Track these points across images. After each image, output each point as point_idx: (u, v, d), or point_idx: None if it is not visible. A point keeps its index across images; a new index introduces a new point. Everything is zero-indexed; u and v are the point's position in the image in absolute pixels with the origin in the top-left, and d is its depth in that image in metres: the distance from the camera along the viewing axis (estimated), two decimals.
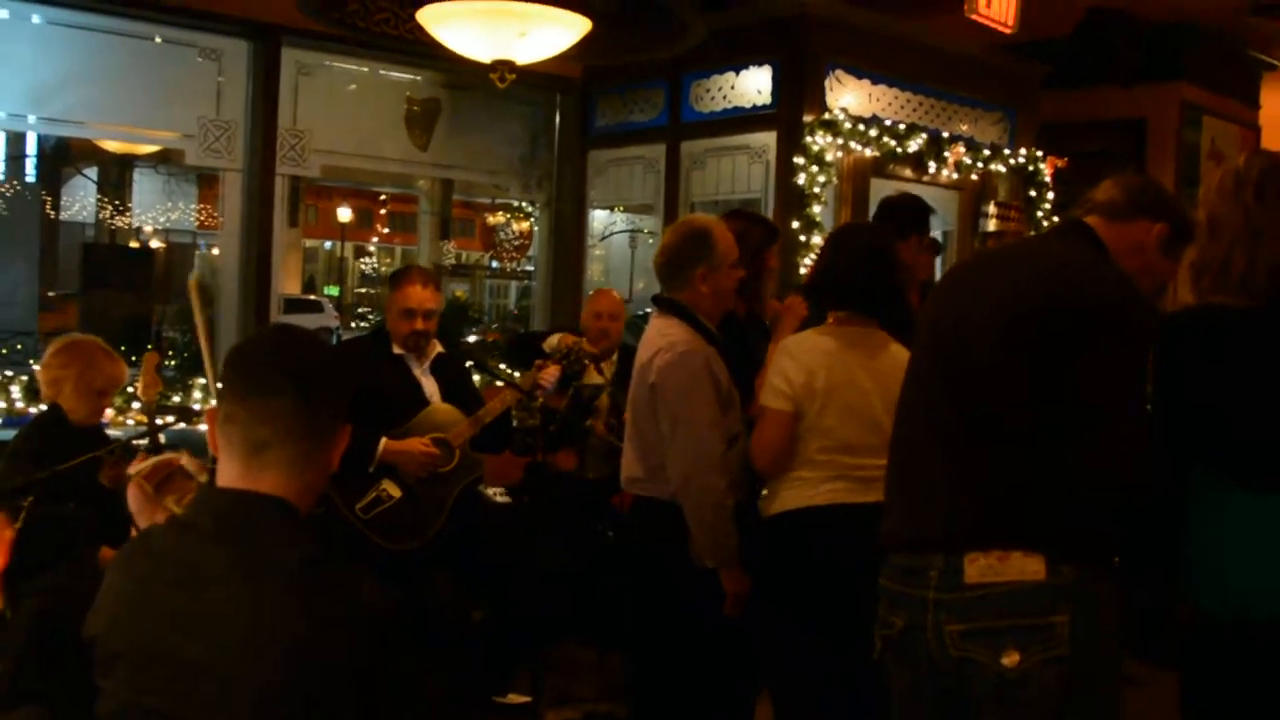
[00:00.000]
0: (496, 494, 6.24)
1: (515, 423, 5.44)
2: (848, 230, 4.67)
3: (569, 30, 5.33)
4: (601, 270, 11.53)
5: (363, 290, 35.80)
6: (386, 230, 38.73)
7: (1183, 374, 2.72)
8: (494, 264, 28.34)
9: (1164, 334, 2.72)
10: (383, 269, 38.22)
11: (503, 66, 5.34)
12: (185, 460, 2.32)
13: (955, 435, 2.68)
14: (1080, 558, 2.52)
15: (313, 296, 32.24)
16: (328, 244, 39.49)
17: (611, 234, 10.67)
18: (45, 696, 3.61)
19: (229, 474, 2.04)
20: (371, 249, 40.08)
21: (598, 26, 5.49)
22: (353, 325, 26.50)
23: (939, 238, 8.06)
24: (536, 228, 9.48)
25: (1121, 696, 2.63)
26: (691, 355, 3.93)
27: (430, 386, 5.20)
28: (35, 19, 6.93)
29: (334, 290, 36.40)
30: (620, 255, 14.30)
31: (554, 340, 5.50)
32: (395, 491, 4.91)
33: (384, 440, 4.88)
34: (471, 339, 13.23)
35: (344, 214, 34.29)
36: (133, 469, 2.34)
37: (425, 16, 5.32)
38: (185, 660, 1.91)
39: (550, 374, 5.29)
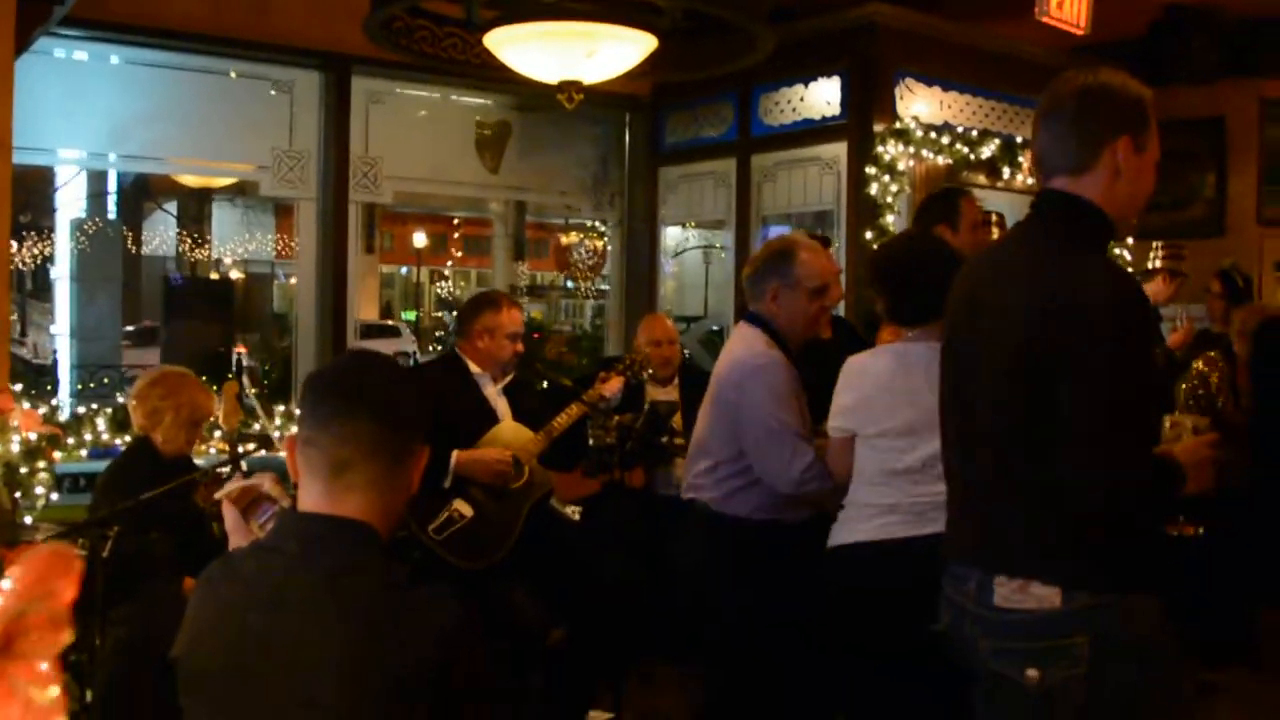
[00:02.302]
0: (572, 511, 6.26)
1: (591, 441, 5.44)
2: (895, 244, 4.54)
3: (636, 48, 5.33)
4: (675, 287, 11.54)
5: (439, 314, 36.10)
6: (461, 254, 39.06)
7: None
8: (569, 284, 28.50)
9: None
10: (458, 293, 38.53)
11: (570, 87, 5.34)
12: (269, 485, 2.34)
13: (971, 454, 2.74)
14: (1096, 585, 2.52)
15: (390, 321, 32.60)
16: (404, 269, 39.92)
17: (684, 251, 10.67)
18: None
19: (311, 497, 2.06)
20: (447, 273, 40.43)
21: (665, 43, 5.49)
22: (430, 349, 26.65)
23: None
24: (610, 246, 9.48)
25: (1188, 709, 2.70)
26: (778, 365, 3.97)
27: (503, 407, 5.22)
28: (114, 59, 7.06)
29: (411, 315, 36.75)
30: (694, 272, 14.27)
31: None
32: (467, 511, 4.92)
33: (455, 453, 4.90)
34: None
35: (419, 239, 34.71)
36: (219, 493, 2.37)
37: (492, 40, 5.35)
38: (270, 682, 1.94)
39: (613, 385, 5.38)
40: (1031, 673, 2.53)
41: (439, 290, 40.04)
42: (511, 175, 8.47)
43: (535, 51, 5.30)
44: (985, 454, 2.67)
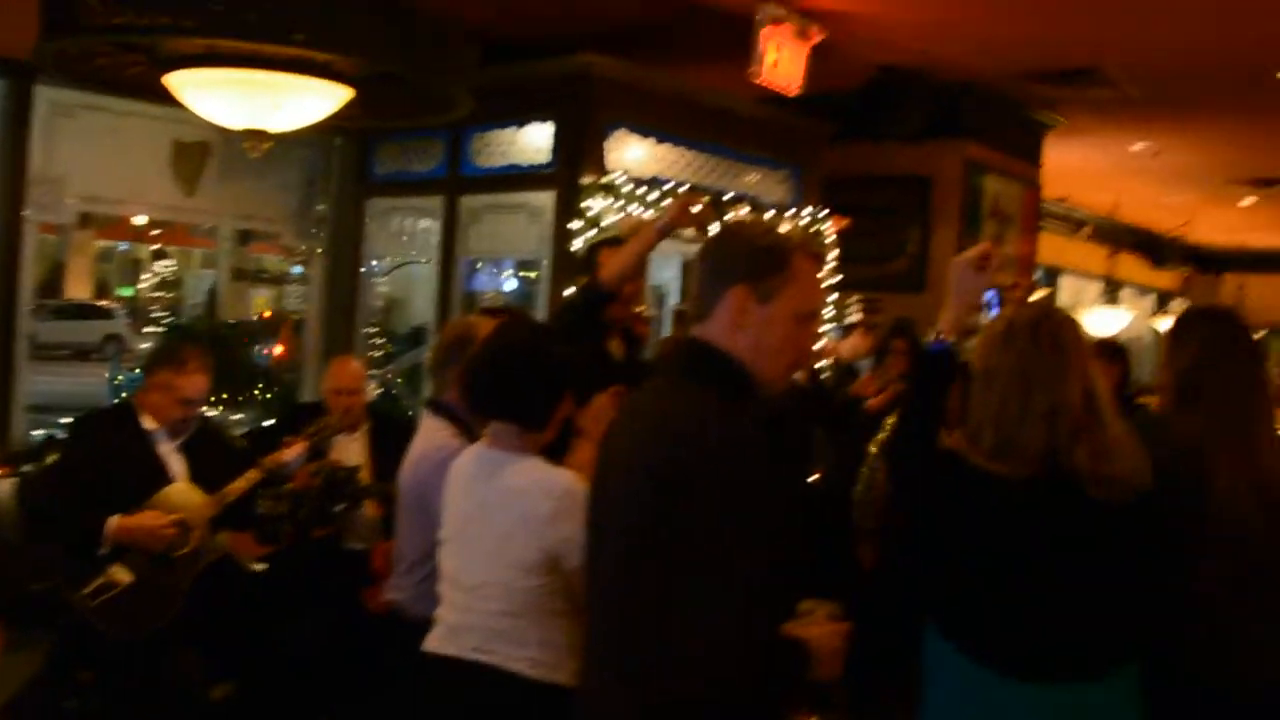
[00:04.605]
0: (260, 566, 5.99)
1: (260, 509, 5.14)
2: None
3: (327, 100, 5.14)
4: (386, 306, 11.21)
5: (159, 294, 34.66)
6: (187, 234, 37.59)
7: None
8: (297, 269, 27.92)
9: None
10: (182, 270, 37.13)
11: (255, 137, 5.12)
12: None
13: (595, 600, 2.56)
14: None
15: (104, 302, 31.20)
16: (123, 245, 38.25)
17: (399, 266, 10.37)
18: None
19: None
20: (170, 250, 38.81)
21: (365, 88, 5.31)
22: (144, 331, 25.49)
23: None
24: (312, 275, 9.07)
25: None
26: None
27: (177, 466, 4.91)
28: None
29: (129, 290, 35.26)
30: (405, 287, 13.79)
31: None
32: (125, 577, 4.60)
33: (111, 520, 4.55)
34: None
35: (139, 218, 33.27)
36: None
37: (174, 82, 5.08)
38: None
39: (294, 450, 5.13)
40: None
41: (159, 269, 38.39)
42: (211, 198, 8.01)
43: (220, 97, 5.05)
44: (598, 603, 2.51)
